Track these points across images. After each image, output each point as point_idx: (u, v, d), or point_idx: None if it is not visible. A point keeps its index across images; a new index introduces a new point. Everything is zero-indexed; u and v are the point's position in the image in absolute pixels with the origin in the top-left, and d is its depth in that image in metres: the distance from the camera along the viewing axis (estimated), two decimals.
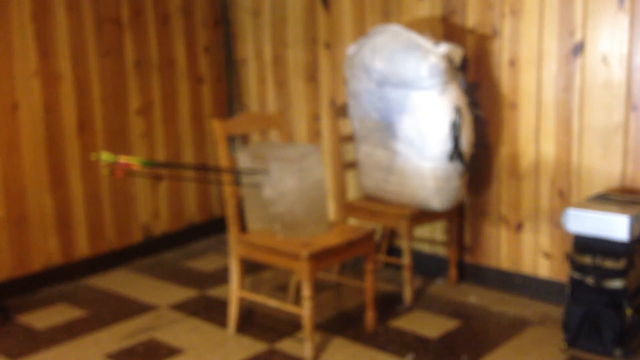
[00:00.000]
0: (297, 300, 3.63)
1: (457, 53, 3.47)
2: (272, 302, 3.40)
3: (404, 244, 3.65)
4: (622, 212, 3.02)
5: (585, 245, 3.12)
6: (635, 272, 3.12)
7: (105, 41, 4.25)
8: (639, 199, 3.20)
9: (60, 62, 4.06)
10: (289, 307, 3.32)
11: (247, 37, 4.78)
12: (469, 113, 3.50)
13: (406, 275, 3.70)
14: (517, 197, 3.73)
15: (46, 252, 4.08)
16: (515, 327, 3.46)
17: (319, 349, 3.27)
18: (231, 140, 4.55)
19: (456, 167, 3.48)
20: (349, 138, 3.84)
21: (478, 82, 3.76)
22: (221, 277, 4.15)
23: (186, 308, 3.78)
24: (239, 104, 4.93)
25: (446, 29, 3.83)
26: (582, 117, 3.46)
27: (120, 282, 4.18)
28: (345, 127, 3.92)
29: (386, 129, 3.59)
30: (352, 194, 4.17)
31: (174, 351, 3.31)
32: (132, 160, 3.05)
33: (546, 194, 3.63)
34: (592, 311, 3.12)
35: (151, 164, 3.59)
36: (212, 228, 4.94)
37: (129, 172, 3.11)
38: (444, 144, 3.42)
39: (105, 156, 3.02)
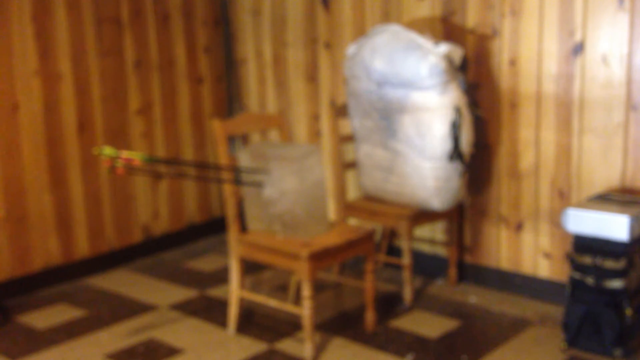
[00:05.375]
0: (297, 300, 3.63)
1: (457, 53, 3.47)
2: (272, 302, 3.40)
3: (404, 244, 3.65)
4: (622, 212, 3.02)
5: (585, 245, 3.12)
6: (635, 272, 3.12)
7: (105, 41, 4.25)
8: (639, 199, 3.20)
9: (60, 62, 4.06)
10: (289, 307, 3.32)
11: (247, 37, 4.78)
12: (469, 113, 3.50)
13: (406, 275, 3.70)
14: (517, 197, 3.73)
15: (46, 252, 4.08)
16: (515, 327, 3.46)
17: (319, 349, 3.27)
18: (231, 140, 4.55)
19: (456, 167, 3.48)
20: (349, 138, 3.84)
21: (478, 82, 3.76)
22: (221, 277, 4.15)
23: (186, 308, 3.78)
24: (239, 104, 4.93)
25: (446, 29, 3.83)
26: (582, 117, 3.46)
27: (120, 282, 4.18)
28: (345, 127, 3.91)
29: (386, 129, 3.59)
30: (352, 194, 4.17)
31: (174, 351, 3.31)
32: (134, 156, 3.05)
33: (546, 194, 3.63)
34: (592, 311, 3.12)
35: (152, 159, 3.59)
36: (212, 228, 4.93)
37: (130, 169, 3.11)
38: (444, 144, 3.42)
39: (108, 150, 3.02)
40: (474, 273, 3.97)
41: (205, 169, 4.67)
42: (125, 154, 3.04)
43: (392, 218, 3.66)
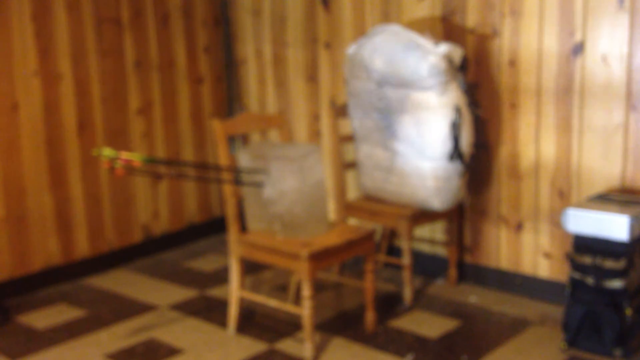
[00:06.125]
0: (297, 300, 3.63)
1: (457, 53, 3.47)
2: (272, 302, 3.40)
3: (404, 244, 3.65)
4: (622, 212, 3.02)
5: (585, 245, 3.12)
6: (635, 272, 3.12)
7: (105, 41, 4.25)
8: (639, 199, 3.20)
9: (60, 62, 4.06)
10: (289, 307, 3.32)
11: (247, 37, 4.78)
12: (469, 113, 3.50)
13: (406, 275, 3.70)
14: (517, 197, 3.73)
15: (46, 252, 4.08)
16: (515, 327, 3.46)
17: (319, 349, 3.27)
18: (231, 140, 4.55)
19: (456, 167, 3.48)
20: (349, 138, 3.84)
21: (478, 82, 3.76)
22: (221, 277, 4.15)
23: (186, 308, 3.78)
24: (239, 104, 4.93)
25: (446, 29, 3.83)
26: (582, 117, 3.46)
27: (120, 282, 4.18)
28: (345, 127, 3.92)
29: (386, 129, 3.59)
30: (352, 194, 4.17)
31: (174, 351, 3.31)
32: (133, 157, 3.06)
33: (546, 194, 3.63)
34: (592, 311, 3.12)
35: (152, 160, 3.59)
36: (212, 228, 4.94)
37: (129, 169, 3.11)
38: (444, 144, 3.42)
39: (107, 152, 3.02)
40: (474, 273, 3.97)
41: (205, 170, 4.67)
42: (124, 155, 3.05)
43: (392, 218, 3.66)
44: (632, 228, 2.99)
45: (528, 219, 3.71)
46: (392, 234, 4.20)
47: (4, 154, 3.87)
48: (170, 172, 4.26)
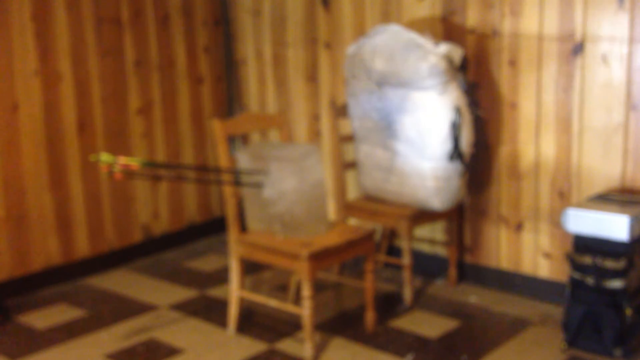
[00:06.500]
0: (297, 300, 3.63)
1: (457, 53, 3.47)
2: (272, 302, 3.40)
3: (404, 244, 3.65)
4: (622, 212, 3.02)
5: (585, 245, 3.12)
6: (635, 272, 3.12)
7: (105, 41, 4.25)
8: (639, 199, 3.20)
9: (60, 62, 4.06)
10: (289, 307, 3.32)
11: (247, 37, 4.77)
12: (469, 113, 3.50)
13: (406, 275, 3.70)
14: (517, 197, 3.73)
15: (46, 252, 4.08)
16: (515, 327, 3.46)
17: (319, 349, 3.27)
18: (231, 140, 4.55)
19: (456, 167, 3.48)
20: (349, 138, 3.84)
21: (478, 82, 3.76)
22: (221, 277, 4.15)
23: (186, 308, 3.78)
24: (239, 104, 4.93)
25: (446, 29, 3.83)
26: (582, 117, 3.46)
27: (120, 282, 4.18)
28: (345, 127, 3.91)
29: (386, 129, 3.59)
30: (352, 194, 4.17)
31: (174, 351, 3.31)
32: (132, 161, 3.05)
33: (546, 194, 3.63)
34: (592, 311, 3.12)
35: (150, 164, 3.59)
36: (212, 228, 4.93)
37: (128, 173, 3.11)
38: (444, 144, 3.42)
39: (105, 157, 3.02)
40: (474, 273, 3.97)
41: (204, 171, 4.67)
42: (122, 159, 3.03)
43: (392, 218, 3.66)
44: (632, 228, 2.99)
45: (528, 219, 3.71)
46: (392, 234, 4.20)
47: (4, 154, 3.87)
48: (170, 175, 4.26)
